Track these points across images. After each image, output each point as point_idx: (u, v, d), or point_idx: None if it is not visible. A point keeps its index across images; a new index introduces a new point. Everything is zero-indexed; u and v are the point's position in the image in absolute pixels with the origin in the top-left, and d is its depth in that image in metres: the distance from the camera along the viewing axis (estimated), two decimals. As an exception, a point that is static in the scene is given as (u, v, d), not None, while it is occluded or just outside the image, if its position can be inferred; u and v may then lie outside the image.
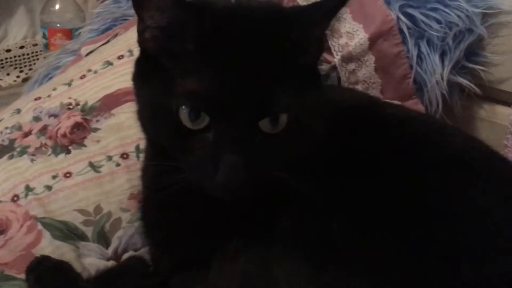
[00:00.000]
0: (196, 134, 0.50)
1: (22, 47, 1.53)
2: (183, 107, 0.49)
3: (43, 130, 0.78)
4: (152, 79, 0.53)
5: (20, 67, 1.54)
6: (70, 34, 1.33)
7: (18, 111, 0.82)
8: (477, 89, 0.93)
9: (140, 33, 0.54)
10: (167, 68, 0.51)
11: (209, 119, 0.49)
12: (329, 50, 0.90)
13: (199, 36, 0.50)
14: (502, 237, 0.51)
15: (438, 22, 0.88)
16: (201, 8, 0.51)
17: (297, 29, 0.51)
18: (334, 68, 0.90)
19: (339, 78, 0.90)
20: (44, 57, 1.31)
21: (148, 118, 0.55)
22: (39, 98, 0.83)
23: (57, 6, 1.37)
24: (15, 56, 1.52)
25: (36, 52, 1.54)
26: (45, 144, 0.77)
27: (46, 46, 1.38)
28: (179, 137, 0.51)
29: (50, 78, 1.05)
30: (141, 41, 0.55)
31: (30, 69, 1.53)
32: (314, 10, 0.52)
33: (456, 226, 0.51)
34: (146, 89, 0.55)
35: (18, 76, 1.53)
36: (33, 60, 1.54)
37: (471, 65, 0.92)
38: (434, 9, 0.89)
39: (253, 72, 0.49)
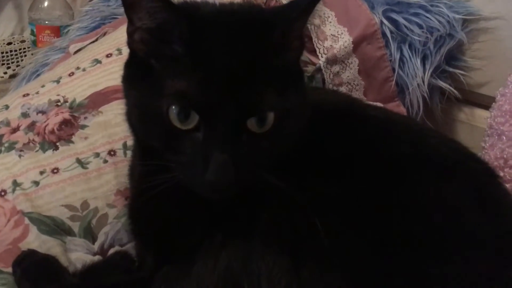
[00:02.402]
0: (186, 134, 0.51)
1: (9, 44, 1.53)
2: (173, 107, 0.50)
3: (31, 126, 0.78)
4: (142, 81, 0.54)
5: (8, 64, 1.53)
6: (58, 31, 1.34)
7: (6, 107, 0.83)
8: (457, 93, 0.95)
9: (130, 35, 0.55)
10: (156, 69, 0.53)
11: (198, 119, 0.50)
12: (314, 52, 0.92)
13: (187, 38, 0.52)
14: (468, 236, 0.53)
15: (420, 27, 0.91)
16: (188, 11, 0.53)
17: (278, 29, 0.53)
18: (319, 70, 0.92)
19: (323, 80, 0.92)
20: (32, 54, 1.31)
21: (138, 119, 0.56)
22: (27, 94, 0.84)
23: (46, 3, 1.37)
24: (2, 53, 1.51)
25: (24, 48, 1.54)
26: (33, 140, 0.77)
27: (34, 43, 1.38)
28: (169, 137, 0.52)
29: (38, 75, 1.06)
30: (130, 43, 0.56)
31: (17, 66, 1.52)
32: (292, 9, 0.54)
33: (428, 224, 0.53)
34: (135, 91, 0.56)
35: (5, 73, 1.52)
36: (21, 56, 1.54)
37: (451, 69, 0.95)
38: (416, 14, 0.92)
39: (239, 72, 0.50)
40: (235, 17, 0.56)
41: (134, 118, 0.57)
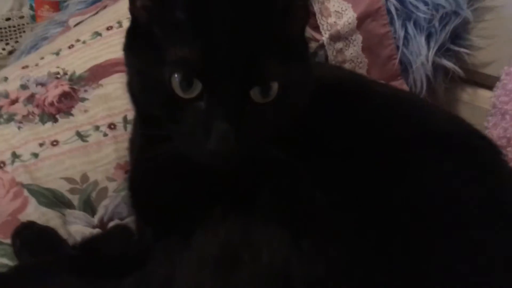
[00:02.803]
0: (188, 102, 0.50)
1: (8, 19, 1.51)
2: (175, 75, 0.49)
3: (31, 98, 0.78)
4: (143, 49, 0.53)
5: (6, 40, 1.52)
6: (57, 6, 1.32)
7: (5, 79, 0.82)
8: (461, 72, 0.94)
9: (132, 1, 0.54)
10: (158, 36, 0.52)
11: (201, 88, 0.50)
12: (317, 29, 0.91)
13: (190, 5, 0.50)
14: (469, 214, 0.52)
15: (425, 4, 0.90)
16: None
17: None
18: (322, 46, 0.91)
19: (326, 57, 0.91)
20: (31, 29, 1.30)
21: (139, 88, 0.55)
22: (27, 66, 0.83)
23: (45, -22, 1.35)
24: (0, 28, 1.50)
25: (23, 24, 1.52)
26: (32, 112, 0.77)
27: (33, 18, 1.37)
28: (171, 106, 0.51)
29: (37, 49, 1.05)
30: (132, 9, 0.55)
31: (16, 42, 1.51)
32: None
33: (429, 200, 0.52)
34: (137, 59, 0.55)
35: (3, 49, 1.51)
36: (19, 32, 1.52)
37: (456, 48, 0.94)
38: (422, -9, 0.90)
39: (243, 40, 0.49)
40: None
41: (136, 86, 0.56)
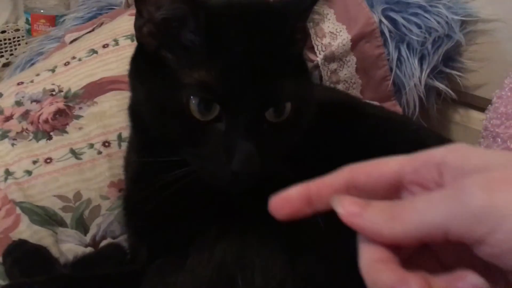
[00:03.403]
0: (206, 125, 0.50)
1: (3, 32, 1.51)
2: (192, 97, 0.49)
3: (25, 115, 0.78)
4: (153, 74, 0.53)
5: (1, 52, 1.52)
6: (53, 20, 1.32)
7: (0, 95, 0.82)
8: (453, 94, 0.95)
9: (139, 28, 0.54)
10: (169, 61, 0.52)
11: (219, 110, 0.50)
12: (312, 49, 0.92)
13: (203, 28, 0.51)
14: None
15: (419, 27, 0.91)
16: (202, 1, 0.53)
17: (289, 20, 0.53)
18: (316, 67, 0.92)
19: (321, 77, 0.92)
20: (27, 43, 1.30)
21: (152, 113, 0.54)
22: (22, 83, 0.83)
23: (41, -8, 1.36)
24: (-4, 41, 1.50)
25: (18, 37, 1.52)
26: (26, 129, 0.76)
27: (29, 32, 1.37)
28: (188, 129, 0.51)
29: (33, 63, 1.05)
30: (139, 37, 0.55)
31: (11, 54, 1.51)
32: (300, 1, 0.55)
33: None
34: (146, 85, 0.54)
35: (-2, 61, 1.51)
36: (15, 45, 1.52)
37: (448, 70, 0.95)
38: (415, 14, 0.91)
39: (259, 62, 0.50)
40: (247, 9, 0.56)
41: (146, 112, 0.55)
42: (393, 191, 0.33)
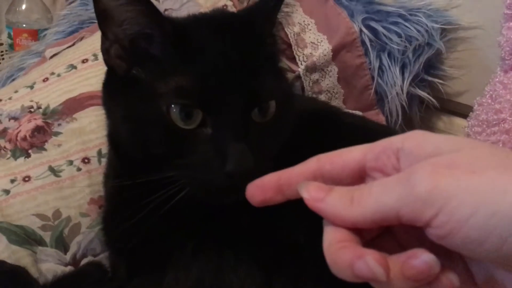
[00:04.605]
0: (191, 133, 0.49)
1: (-13, 46, 1.50)
2: (172, 106, 0.48)
3: (3, 133, 0.76)
4: (128, 93, 0.52)
5: (-15, 67, 1.50)
6: (36, 35, 1.31)
7: (-22, 113, 0.80)
8: (435, 102, 0.96)
9: (106, 51, 0.54)
10: (142, 77, 0.51)
11: (202, 115, 0.49)
12: (293, 60, 0.92)
13: (171, 38, 0.51)
14: None
15: (399, 36, 0.91)
16: (164, 15, 0.53)
17: (256, 25, 0.54)
18: (298, 77, 0.92)
19: (303, 87, 0.92)
20: (10, 57, 1.29)
21: (131, 132, 0.53)
22: (0, 100, 0.82)
23: (23, 6, 1.35)
24: (-21, 56, 1.49)
25: (1, 52, 1.51)
26: (4, 147, 0.75)
27: (11, 46, 1.36)
28: (173, 140, 0.49)
29: (14, 79, 1.04)
30: (107, 60, 0.54)
31: (-5, 69, 1.50)
32: (262, 7, 0.56)
33: None
34: (123, 105, 0.53)
35: (-18, 76, 1.49)
36: (-2, 60, 1.51)
37: (430, 78, 0.95)
38: (395, 23, 0.92)
39: (235, 63, 0.50)
40: (212, 18, 0.56)
41: (126, 133, 0.53)
42: (357, 178, 0.35)
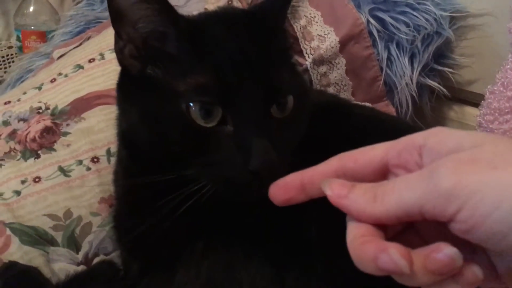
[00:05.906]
0: (212, 130, 0.48)
1: (-4, 50, 1.51)
2: (192, 104, 0.48)
3: (12, 134, 0.77)
4: (144, 93, 0.52)
5: (-5, 70, 1.52)
6: (44, 36, 1.32)
7: (-12, 115, 0.81)
8: (445, 91, 0.94)
9: (120, 51, 0.53)
10: (158, 75, 0.51)
11: (222, 112, 0.48)
12: (301, 53, 0.91)
13: (187, 34, 0.50)
14: None
15: (407, 25, 0.90)
16: (178, 12, 0.52)
17: (267, 21, 0.54)
18: (305, 70, 0.91)
19: (311, 81, 0.91)
20: (19, 60, 1.29)
21: (149, 133, 0.52)
22: (9, 102, 0.83)
23: (31, 8, 1.35)
24: (-11, 59, 1.50)
25: (12, 54, 1.52)
26: (14, 148, 0.76)
27: (20, 49, 1.37)
28: (194, 138, 0.49)
29: (23, 81, 1.05)
30: (121, 60, 0.54)
31: (5, 72, 1.51)
32: (271, 4, 0.56)
33: None
34: (139, 105, 0.52)
35: (-7, 79, 1.51)
36: (8, 63, 1.52)
37: (439, 67, 0.94)
38: (403, 13, 0.90)
39: (252, 58, 0.50)
40: (223, 14, 0.56)
41: (143, 133, 0.52)
42: (380, 175, 0.35)
